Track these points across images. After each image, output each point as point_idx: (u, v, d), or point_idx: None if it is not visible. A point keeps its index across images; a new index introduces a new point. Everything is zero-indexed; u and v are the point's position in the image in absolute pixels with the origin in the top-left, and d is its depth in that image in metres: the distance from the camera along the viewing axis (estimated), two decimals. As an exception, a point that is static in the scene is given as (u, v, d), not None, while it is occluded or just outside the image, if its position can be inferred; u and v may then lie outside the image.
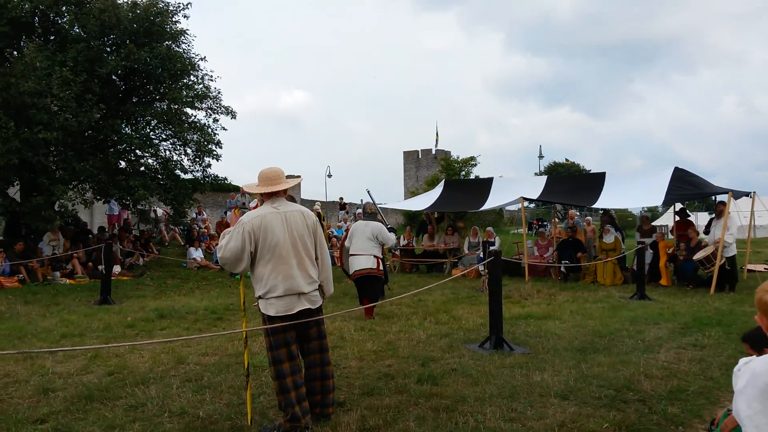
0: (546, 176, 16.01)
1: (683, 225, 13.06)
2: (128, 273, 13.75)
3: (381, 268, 8.70)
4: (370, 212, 9.23)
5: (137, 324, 8.21)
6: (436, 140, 46.67)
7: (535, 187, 14.01)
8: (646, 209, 21.89)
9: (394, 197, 65.64)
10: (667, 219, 24.82)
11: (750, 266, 13.47)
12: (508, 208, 28.65)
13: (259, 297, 4.04)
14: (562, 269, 12.83)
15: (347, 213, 27.18)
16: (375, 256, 8.53)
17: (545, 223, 23.83)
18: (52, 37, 14.58)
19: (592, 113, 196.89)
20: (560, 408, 4.37)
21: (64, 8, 14.54)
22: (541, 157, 42.43)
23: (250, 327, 4.76)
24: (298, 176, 4.62)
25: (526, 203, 13.64)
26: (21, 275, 12.31)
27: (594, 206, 13.60)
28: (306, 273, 4.07)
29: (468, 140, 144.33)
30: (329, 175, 45.24)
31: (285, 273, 3.97)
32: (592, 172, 21.40)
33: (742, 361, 1.90)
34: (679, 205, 13.83)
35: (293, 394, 3.97)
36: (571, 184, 14.56)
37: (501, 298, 6.47)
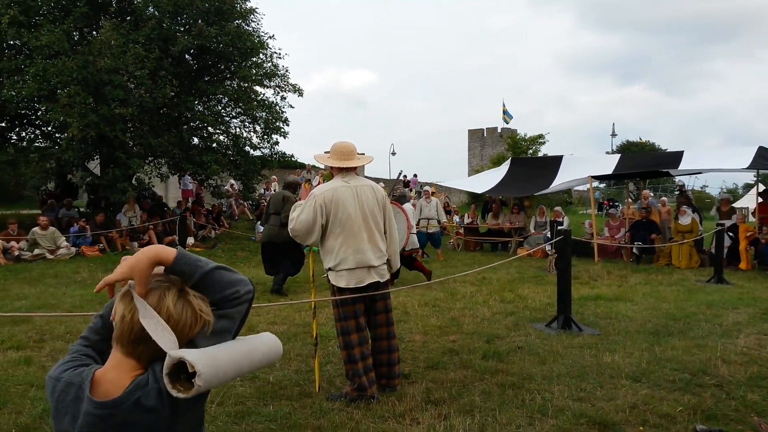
0: (619, 155, 15.37)
1: (767, 207, 12.33)
2: (201, 245, 14.28)
3: None
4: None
5: (210, 293, 8.51)
6: (504, 117, 45.49)
7: (608, 166, 13.49)
8: (725, 190, 20.82)
9: (457, 175, 65.05)
10: (748, 201, 23.50)
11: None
12: (577, 188, 27.81)
13: (329, 269, 4.11)
14: (635, 251, 12.40)
15: (411, 191, 27.21)
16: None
17: (616, 203, 23.07)
18: (127, 17, 15.14)
19: (668, 91, 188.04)
20: (632, 390, 4.25)
21: (139, -12, 15.05)
22: (614, 135, 40.69)
23: (319, 298, 4.86)
24: (371, 156, 4.65)
25: (596, 182, 13.22)
26: (101, 245, 13.00)
27: (673, 174, 12.89)
28: (376, 247, 4.11)
29: (535, 118, 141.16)
30: (393, 153, 45.24)
31: (356, 246, 4.02)
32: (665, 150, 20.38)
33: None
34: (762, 186, 13.05)
35: (360, 365, 4.03)
36: (646, 162, 13.92)
37: (570, 277, 6.33)
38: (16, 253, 11.45)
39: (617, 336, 5.89)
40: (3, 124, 14.77)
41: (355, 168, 4.24)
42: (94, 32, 14.78)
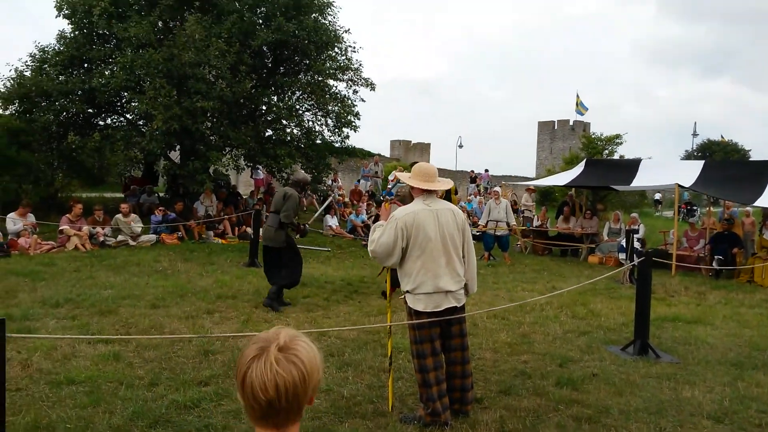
0: (702, 162, 14.56)
1: None
2: (271, 236, 14.61)
3: None
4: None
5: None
6: (578, 108, 43.90)
7: (689, 174, 12.87)
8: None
9: (525, 170, 63.89)
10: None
11: None
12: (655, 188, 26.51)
13: (407, 291, 4.14)
14: (715, 265, 11.83)
15: (477, 186, 26.88)
16: None
17: (695, 207, 22.03)
18: (210, 11, 15.58)
19: (755, 85, 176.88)
20: (713, 432, 4.09)
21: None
22: (695, 135, 38.89)
23: (395, 320, 4.89)
24: (450, 180, 4.67)
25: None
26: (180, 233, 13.54)
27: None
28: (454, 272, 4.11)
29: (611, 111, 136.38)
30: (460, 146, 44.66)
31: (434, 271, 4.03)
32: (753, 159, 19.11)
33: None
34: None
35: (435, 389, 4.05)
36: (733, 172, 13.16)
37: (650, 300, 6.12)
38: (102, 239, 12.09)
39: (697, 366, 5.67)
40: (91, 111, 15.53)
41: (436, 191, 4.25)
42: (178, 23, 15.31)
